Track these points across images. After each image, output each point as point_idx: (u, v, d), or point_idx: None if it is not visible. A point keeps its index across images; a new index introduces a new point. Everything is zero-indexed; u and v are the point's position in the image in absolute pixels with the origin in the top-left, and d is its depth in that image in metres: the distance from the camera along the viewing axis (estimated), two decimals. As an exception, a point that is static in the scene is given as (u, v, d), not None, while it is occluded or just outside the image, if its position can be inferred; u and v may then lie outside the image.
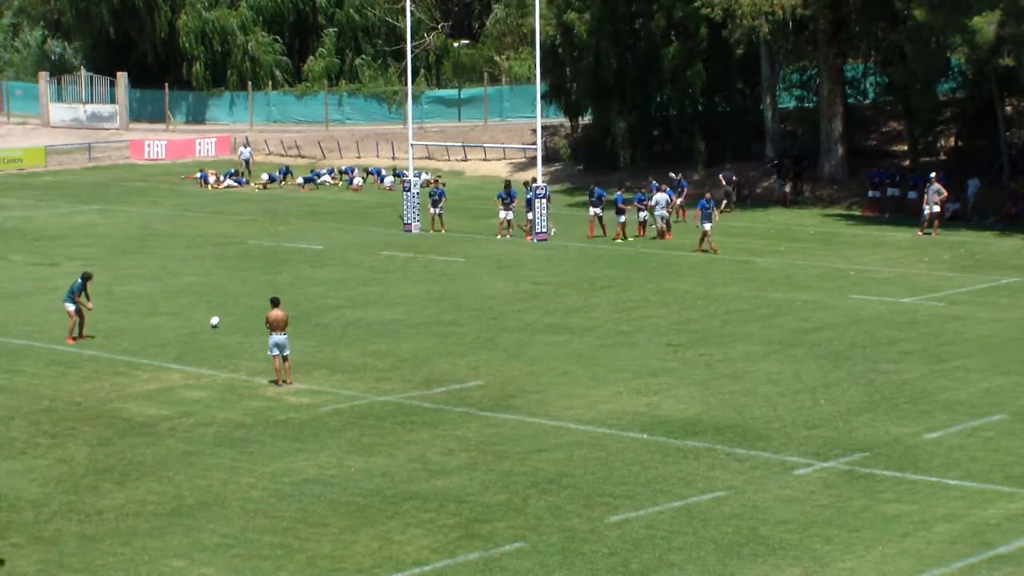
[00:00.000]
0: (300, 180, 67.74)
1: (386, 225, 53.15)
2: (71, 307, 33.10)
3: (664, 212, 49.10)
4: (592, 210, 49.61)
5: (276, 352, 28.69)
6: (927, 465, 23.07)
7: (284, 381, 28.74)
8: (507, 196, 50.55)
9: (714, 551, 19.34)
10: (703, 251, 45.35)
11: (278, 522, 20.71)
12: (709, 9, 56.40)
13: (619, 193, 50.42)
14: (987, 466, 22.99)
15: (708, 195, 48.48)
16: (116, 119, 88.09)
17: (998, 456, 23.53)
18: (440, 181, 62.18)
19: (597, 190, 50.51)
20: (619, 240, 48.74)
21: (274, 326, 28.67)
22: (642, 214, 49.96)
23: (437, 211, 51.66)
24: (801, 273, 41.92)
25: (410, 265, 44.24)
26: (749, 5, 55.21)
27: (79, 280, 33.51)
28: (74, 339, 32.97)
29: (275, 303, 29.14)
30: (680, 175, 56.60)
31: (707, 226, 45.48)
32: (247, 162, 72.47)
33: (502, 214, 50.57)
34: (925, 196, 49.72)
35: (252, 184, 68.70)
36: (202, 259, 45.45)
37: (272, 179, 68.40)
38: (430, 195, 52.44)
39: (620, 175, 62.38)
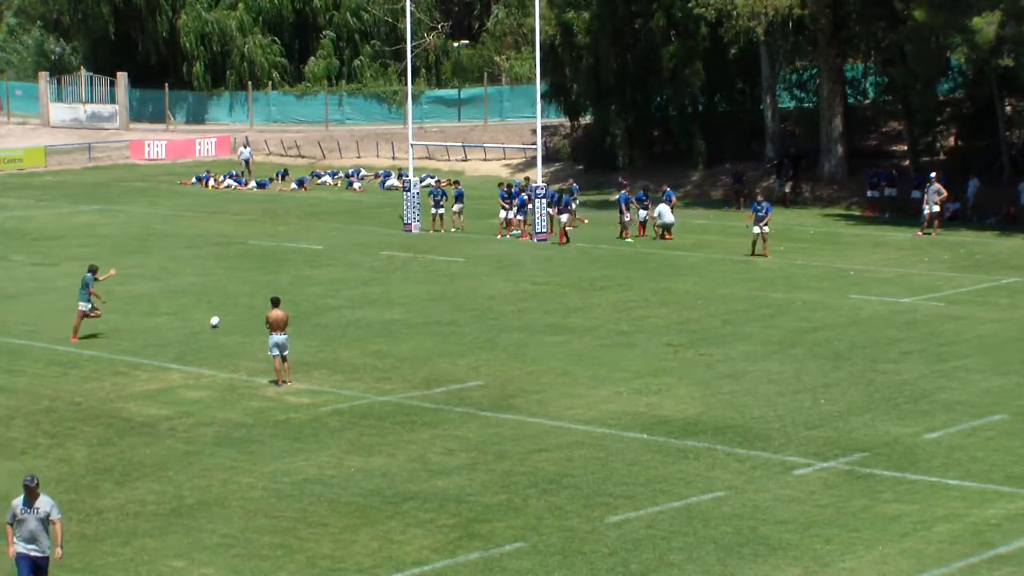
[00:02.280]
0: (293, 185, 67.67)
1: (386, 225, 53.16)
2: (86, 307, 33.29)
3: (669, 218, 49.08)
4: (558, 216, 49.67)
5: (276, 352, 28.71)
6: (927, 465, 23.07)
7: (284, 381, 28.76)
8: (508, 196, 50.62)
9: (714, 551, 19.34)
10: (757, 255, 44.58)
11: (278, 522, 20.70)
12: (703, 9, 56.48)
13: (623, 193, 50.48)
14: (987, 466, 22.99)
15: (760, 197, 47.43)
16: (116, 119, 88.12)
17: (998, 456, 23.53)
18: (441, 182, 62.35)
19: (565, 197, 50.31)
20: (628, 239, 48.80)
21: (274, 326, 28.71)
22: (642, 213, 50.01)
23: (438, 211, 51.72)
24: (801, 273, 41.93)
25: (410, 265, 44.25)
26: (744, 6, 55.24)
27: (88, 275, 33.59)
28: (78, 339, 33.16)
29: (275, 303, 29.21)
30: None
31: (760, 229, 44.67)
32: (247, 162, 72.52)
33: (502, 214, 50.66)
34: (925, 196, 49.74)
35: (250, 184, 68.73)
36: (202, 259, 45.45)
37: (261, 184, 68.24)
38: (431, 194, 52.52)
39: (620, 175, 62.38)
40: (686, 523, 20.40)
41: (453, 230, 51.57)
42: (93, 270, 33.81)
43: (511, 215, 50.61)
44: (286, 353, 28.79)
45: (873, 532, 20.00)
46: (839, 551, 19.31)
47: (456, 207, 52.09)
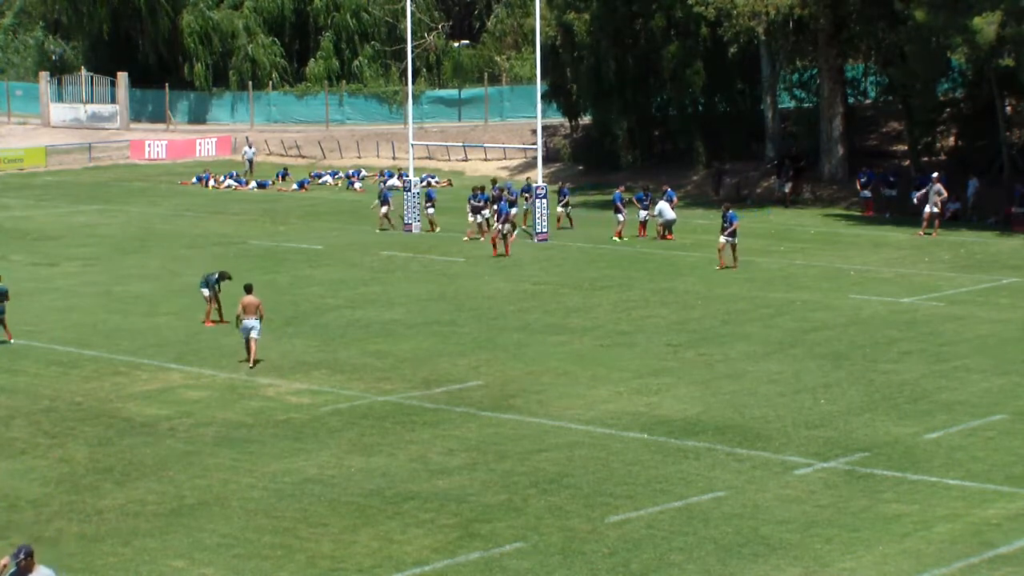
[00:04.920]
0: (293, 186, 67.78)
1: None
2: (206, 292, 34.96)
3: (670, 214, 48.97)
4: (473, 215, 48.97)
5: (245, 336, 30.49)
6: (927, 465, 23.06)
7: (257, 361, 30.28)
8: (475, 199, 49.51)
9: (714, 551, 19.33)
10: (727, 267, 42.22)
11: (278, 522, 20.70)
12: (703, 8, 56.48)
13: (617, 192, 50.44)
14: (987, 466, 22.98)
15: (726, 206, 45.04)
16: (116, 119, 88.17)
17: (998, 456, 23.52)
18: (441, 182, 62.33)
19: (481, 195, 49.42)
20: (617, 239, 48.71)
21: (247, 310, 30.37)
22: (642, 214, 49.92)
23: (429, 212, 51.62)
24: (801, 273, 41.91)
25: (410, 265, 44.24)
26: (745, 5, 55.24)
27: (215, 275, 35.21)
28: (213, 322, 34.84)
29: (248, 289, 30.99)
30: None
31: (727, 239, 42.71)
32: (251, 162, 72.69)
33: (470, 217, 49.53)
34: (928, 196, 49.65)
35: (250, 185, 68.81)
36: (202, 259, 45.40)
37: (261, 185, 68.36)
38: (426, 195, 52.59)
39: (620, 175, 62.42)
40: (686, 523, 20.39)
41: (378, 231, 51.07)
42: (224, 277, 35.33)
43: (480, 219, 49.20)
44: (256, 337, 30.46)
45: (873, 532, 19.99)
46: (839, 551, 19.30)
47: (383, 209, 51.71)
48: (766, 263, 43.69)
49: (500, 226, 45.86)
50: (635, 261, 44.57)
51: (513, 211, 50.51)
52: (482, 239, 48.34)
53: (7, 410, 27.11)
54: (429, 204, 51.92)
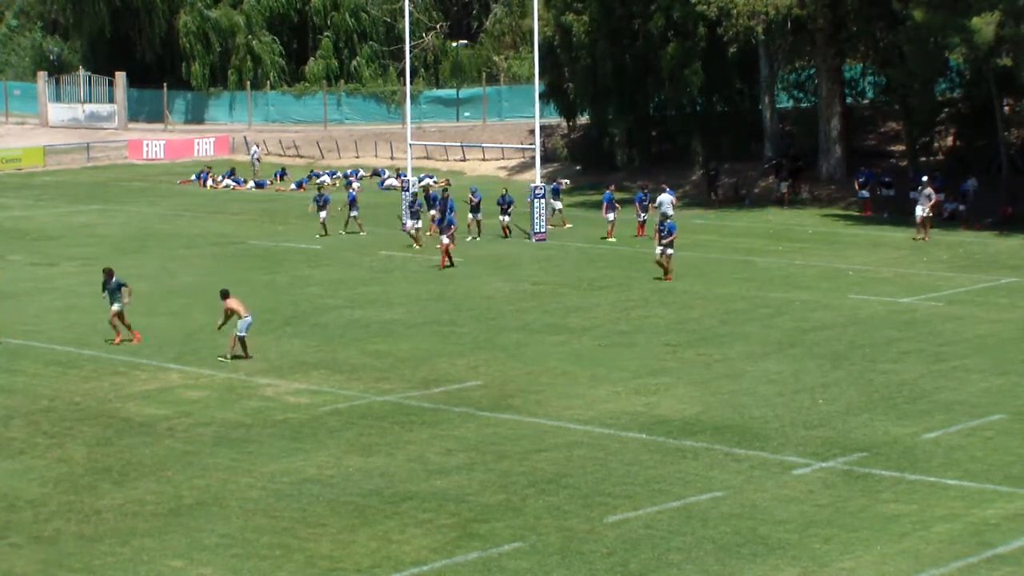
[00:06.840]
0: (292, 186, 67.83)
1: (384, 225, 53.11)
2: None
3: (670, 211, 48.91)
4: (409, 222, 48.04)
5: (244, 333, 30.95)
6: (926, 465, 23.07)
7: (249, 356, 30.97)
8: (412, 204, 48.61)
9: (713, 551, 19.33)
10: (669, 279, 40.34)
11: (277, 522, 20.70)
12: (705, 7, 56.49)
13: (607, 192, 50.40)
14: (986, 466, 22.99)
15: (669, 215, 43.36)
16: (114, 119, 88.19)
17: (997, 456, 23.52)
18: (439, 183, 62.21)
19: (418, 201, 48.86)
20: (611, 239, 48.69)
21: (244, 309, 31.04)
22: (641, 214, 49.88)
23: (352, 214, 50.97)
24: (800, 273, 41.93)
25: (408, 265, 44.24)
26: (745, 4, 55.26)
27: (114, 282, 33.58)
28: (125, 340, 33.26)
29: (227, 294, 31.33)
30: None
31: (662, 250, 40.66)
32: (257, 159, 72.91)
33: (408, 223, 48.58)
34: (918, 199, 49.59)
35: (248, 184, 68.84)
36: (201, 259, 45.46)
37: (259, 185, 68.43)
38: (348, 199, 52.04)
39: (618, 175, 62.43)
40: (685, 523, 20.40)
41: (318, 236, 50.23)
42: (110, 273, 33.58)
43: (419, 224, 48.23)
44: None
45: (872, 532, 20.00)
46: (838, 551, 19.30)
47: (322, 214, 50.64)
48: (765, 263, 43.71)
49: (444, 239, 43.50)
50: (634, 261, 44.56)
51: (479, 216, 49.96)
52: (419, 246, 47.14)
53: (6, 410, 27.10)
54: (351, 207, 50.88)
